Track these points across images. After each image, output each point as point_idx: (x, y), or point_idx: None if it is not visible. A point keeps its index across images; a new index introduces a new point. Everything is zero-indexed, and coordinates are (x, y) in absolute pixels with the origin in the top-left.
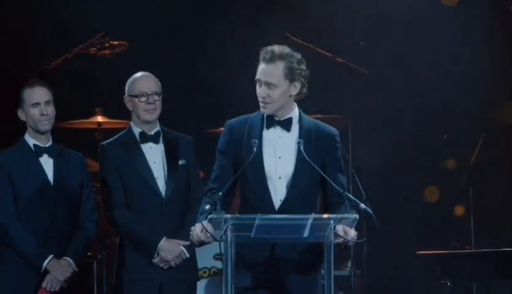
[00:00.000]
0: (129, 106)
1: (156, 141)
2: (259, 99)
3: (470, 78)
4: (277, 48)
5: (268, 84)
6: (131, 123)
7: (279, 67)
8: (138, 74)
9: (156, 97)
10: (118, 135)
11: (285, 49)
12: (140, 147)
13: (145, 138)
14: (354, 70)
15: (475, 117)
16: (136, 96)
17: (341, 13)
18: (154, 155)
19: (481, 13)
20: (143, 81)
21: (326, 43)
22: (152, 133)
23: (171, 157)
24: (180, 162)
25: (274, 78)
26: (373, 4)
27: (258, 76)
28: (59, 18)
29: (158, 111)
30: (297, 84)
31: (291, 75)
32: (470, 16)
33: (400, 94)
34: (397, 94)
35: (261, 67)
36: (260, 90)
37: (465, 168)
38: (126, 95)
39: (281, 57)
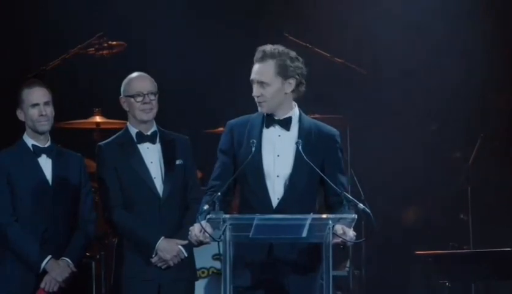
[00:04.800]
0: (125, 106)
1: (153, 141)
2: (255, 99)
3: (470, 77)
4: (268, 47)
5: (261, 83)
6: (128, 123)
7: (270, 65)
8: (134, 74)
9: (152, 97)
10: (115, 135)
11: (278, 47)
12: (137, 148)
13: (142, 138)
14: (353, 70)
15: (474, 116)
16: (132, 96)
17: (341, 13)
18: (151, 155)
19: (482, 13)
20: (138, 81)
21: (325, 43)
22: (149, 133)
23: (168, 156)
24: (177, 162)
25: (265, 76)
26: (373, 4)
27: (251, 76)
28: (58, 18)
29: (154, 111)
30: (292, 81)
31: (284, 72)
32: (471, 16)
33: (399, 94)
34: (397, 95)
35: (254, 66)
36: (254, 90)
37: (464, 167)
38: (122, 95)
39: (272, 55)
